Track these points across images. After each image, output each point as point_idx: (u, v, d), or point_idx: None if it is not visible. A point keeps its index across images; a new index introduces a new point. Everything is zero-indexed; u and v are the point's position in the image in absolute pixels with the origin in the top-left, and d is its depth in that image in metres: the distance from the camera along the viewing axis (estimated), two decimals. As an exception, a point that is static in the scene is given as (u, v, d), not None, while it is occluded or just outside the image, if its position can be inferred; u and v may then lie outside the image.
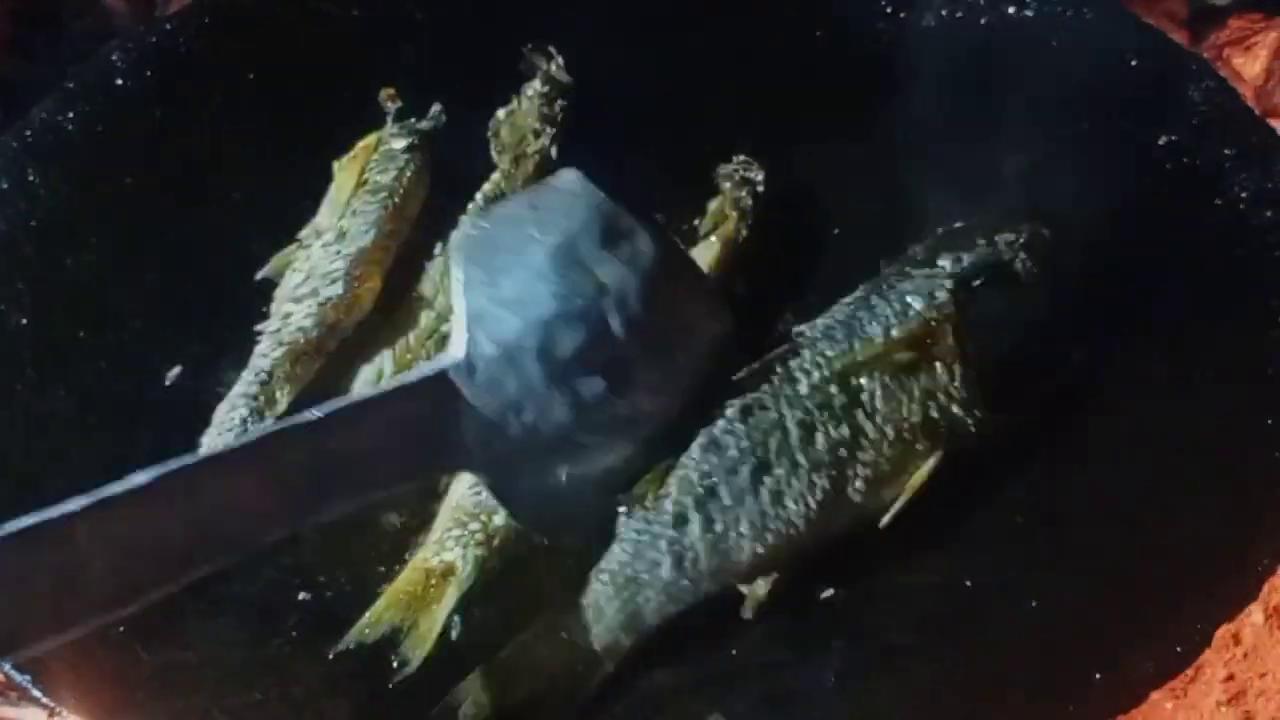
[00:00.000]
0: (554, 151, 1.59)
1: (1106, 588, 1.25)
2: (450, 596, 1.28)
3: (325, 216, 1.53)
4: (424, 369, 1.18)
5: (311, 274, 1.47)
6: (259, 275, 1.50)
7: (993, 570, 1.30)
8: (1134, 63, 1.51)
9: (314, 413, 1.10)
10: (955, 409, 1.29)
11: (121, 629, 1.24)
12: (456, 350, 1.16)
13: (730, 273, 1.51)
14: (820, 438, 1.27)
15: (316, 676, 1.26)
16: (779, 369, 1.30)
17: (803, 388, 1.29)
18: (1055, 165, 1.49)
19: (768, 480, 1.25)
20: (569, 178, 1.29)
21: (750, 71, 1.68)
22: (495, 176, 1.57)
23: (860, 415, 1.27)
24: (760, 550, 1.24)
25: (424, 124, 1.60)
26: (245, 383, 1.42)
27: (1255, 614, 1.33)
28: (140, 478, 1.01)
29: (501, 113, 1.62)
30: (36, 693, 1.19)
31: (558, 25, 1.65)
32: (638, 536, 1.25)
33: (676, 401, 1.26)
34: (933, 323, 1.31)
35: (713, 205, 1.55)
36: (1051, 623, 1.24)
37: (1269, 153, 1.44)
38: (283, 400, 1.41)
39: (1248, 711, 1.31)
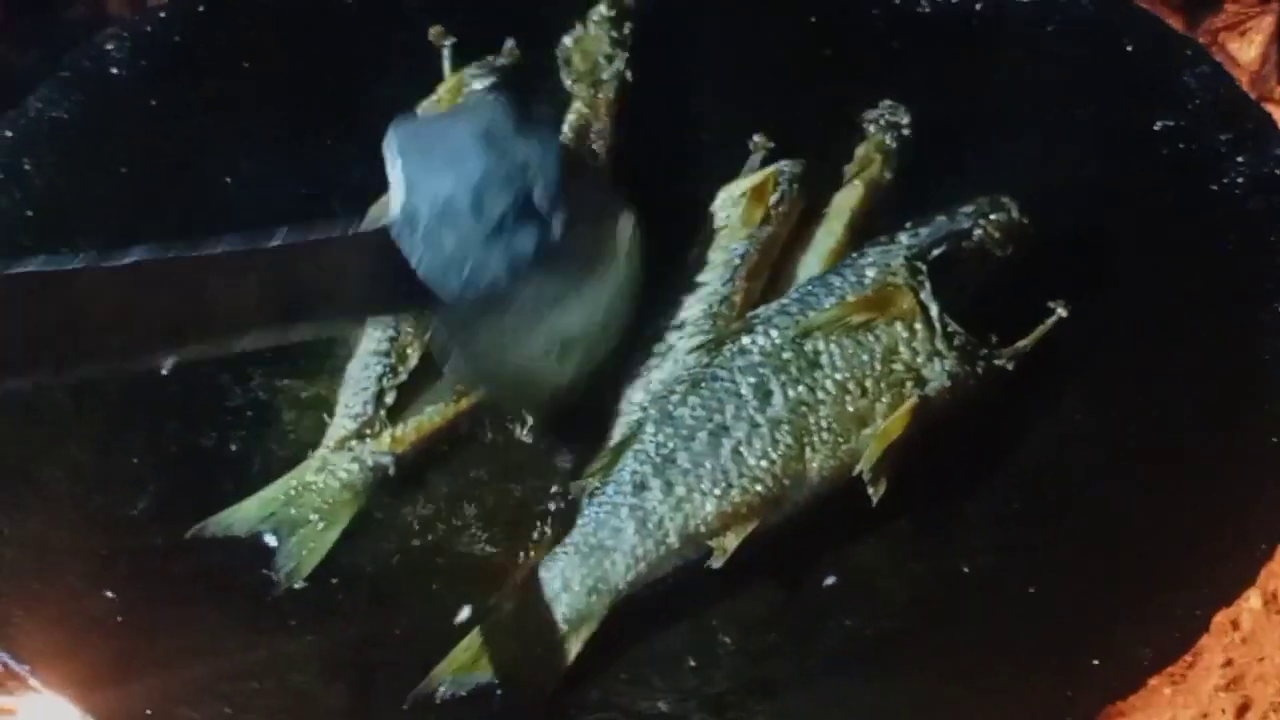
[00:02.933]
0: (629, 75, 1.60)
1: (1104, 574, 1.26)
2: (345, 517, 1.34)
3: None
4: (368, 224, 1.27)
5: None
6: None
7: (989, 556, 1.31)
8: (1130, 48, 1.51)
9: (274, 239, 1.19)
10: (920, 360, 1.31)
11: (119, 618, 1.25)
12: (394, 209, 1.23)
13: (874, 215, 1.50)
14: (777, 399, 1.29)
15: (314, 664, 1.26)
16: (730, 344, 1.33)
17: (755, 356, 1.31)
18: (1052, 150, 1.49)
19: (726, 441, 1.28)
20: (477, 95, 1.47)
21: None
22: (577, 105, 1.58)
23: (818, 374, 1.30)
24: (726, 507, 1.27)
25: (501, 60, 1.60)
26: (375, 340, 1.43)
27: (1253, 599, 1.33)
28: (136, 255, 1.09)
29: (568, 39, 1.62)
30: (35, 683, 1.19)
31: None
32: (599, 508, 1.28)
33: (595, 269, 1.34)
34: (888, 287, 1.33)
35: (860, 150, 1.55)
36: (1048, 609, 1.25)
37: (1264, 138, 1.44)
38: (414, 355, 1.42)
39: (1246, 696, 1.31)
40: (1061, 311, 1.35)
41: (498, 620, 1.25)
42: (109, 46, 1.58)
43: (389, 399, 1.40)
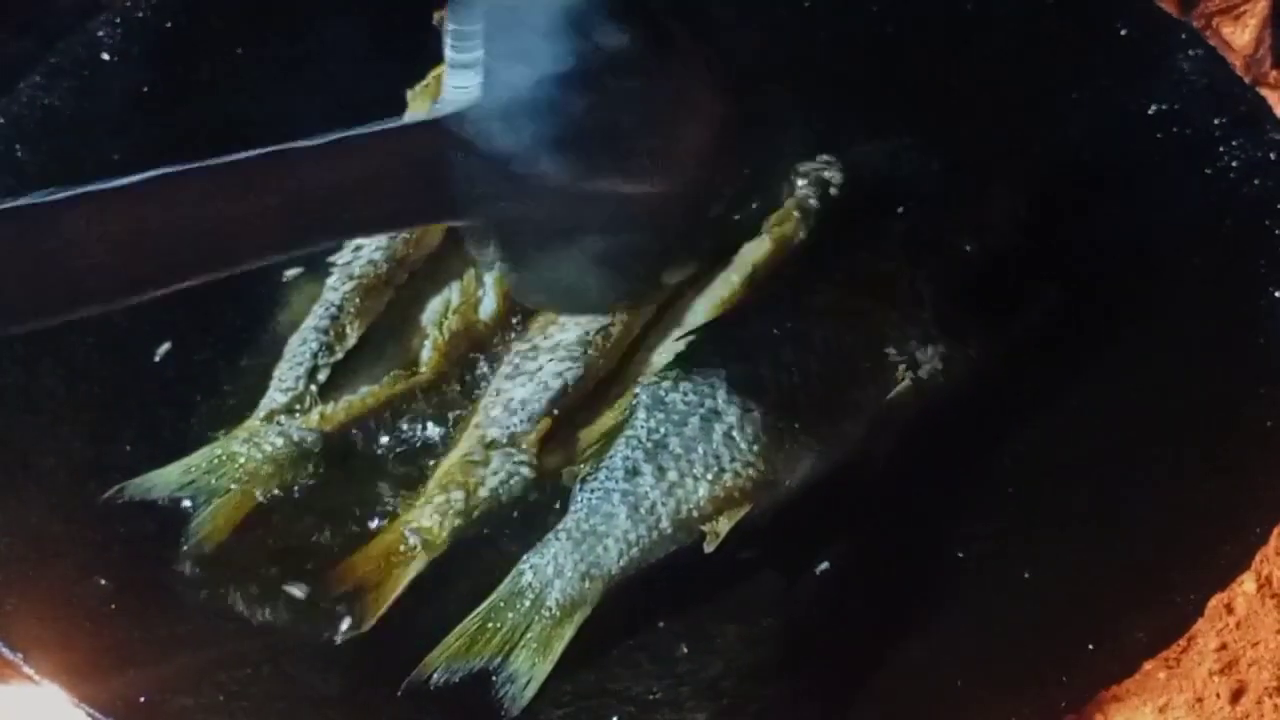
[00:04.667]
0: None
1: (1098, 558, 1.26)
2: (418, 562, 1.30)
3: None
4: (438, 108, 1.13)
5: None
6: None
7: (984, 541, 1.31)
8: (1124, 32, 1.51)
9: (306, 142, 1.08)
10: (912, 345, 1.32)
11: (112, 605, 1.25)
12: (470, 94, 1.10)
13: (778, 270, 1.47)
14: (769, 383, 1.29)
15: (308, 651, 1.26)
16: (723, 331, 1.34)
17: (748, 342, 1.32)
18: (1046, 134, 1.49)
19: (718, 426, 1.28)
20: None
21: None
22: None
23: (811, 360, 1.30)
24: (718, 491, 1.27)
25: None
26: (316, 316, 1.44)
27: (1247, 583, 1.34)
28: (133, 178, 1.01)
29: None
30: (28, 670, 1.19)
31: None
32: (591, 495, 1.28)
33: (680, 179, 1.18)
34: (881, 273, 1.34)
35: (786, 203, 1.52)
36: (1043, 593, 1.25)
37: (1259, 121, 1.43)
38: (353, 334, 1.43)
39: (1240, 681, 1.31)
40: (1052, 294, 1.36)
41: (491, 606, 1.24)
42: (101, 33, 1.57)
43: (322, 376, 1.40)
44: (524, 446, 1.35)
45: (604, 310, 1.37)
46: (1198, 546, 1.22)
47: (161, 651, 1.24)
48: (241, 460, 1.35)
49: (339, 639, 1.26)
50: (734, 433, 1.28)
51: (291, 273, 1.50)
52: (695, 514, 1.27)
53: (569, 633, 1.24)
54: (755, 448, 1.27)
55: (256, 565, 1.32)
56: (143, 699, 1.19)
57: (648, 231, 1.18)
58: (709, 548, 1.27)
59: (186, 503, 1.32)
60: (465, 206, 1.11)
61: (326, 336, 1.42)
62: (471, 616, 1.24)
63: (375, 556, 1.29)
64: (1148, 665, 1.19)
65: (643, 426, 1.30)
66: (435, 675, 1.21)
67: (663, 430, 1.29)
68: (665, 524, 1.26)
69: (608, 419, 1.35)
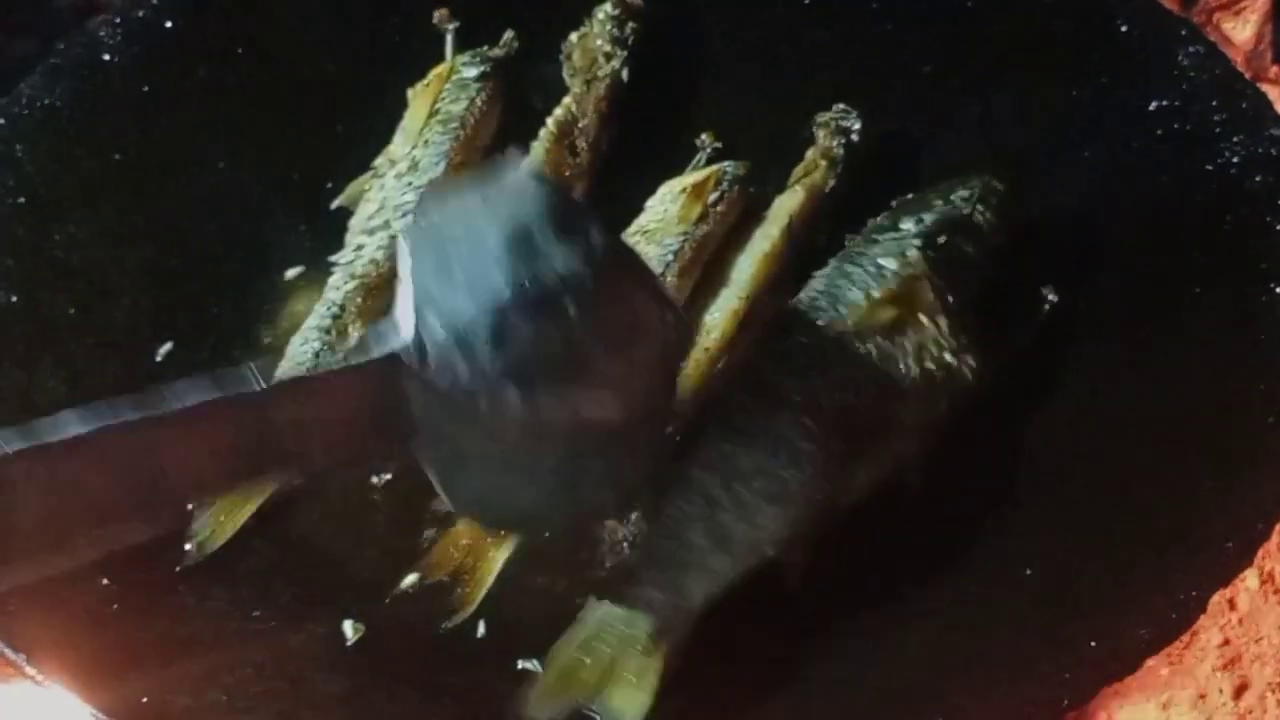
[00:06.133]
0: (625, 75, 1.60)
1: (1100, 554, 1.26)
2: (509, 543, 1.31)
3: (399, 145, 1.55)
4: (374, 350, 1.10)
5: (384, 206, 1.49)
6: (334, 205, 1.52)
7: (985, 538, 1.31)
8: (1124, 28, 1.51)
9: (261, 386, 1.04)
10: (949, 358, 1.31)
11: (115, 605, 1.25)
12: (405, 332, 1.09)
13: (813, 223, 1.50)
14: (826, 403, 1.28)
15: (312, 651, 1.26)
16: (775, 345, 1.33)
17: (801, 360, 1.30)
18: (1046, 131, 1.49)
19: (786, 450, 1.26)
20: (519, 168, 1.17)
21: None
22: (567, 101, 1.58)
23: (861, 378, 1.29)
24: (791, 517, 1.25)
25: (496, 51, 1.62)
26: (318, 315, 1.44)
27: (1250, 579, 1.33)
28: (77, 426, 0.95)
29: (574, 36, 1.62)
30: (30, 671, 1.19)
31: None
32: (674, 521, 1.26)
33: (632, 405, 1.16)
34: (909, 279, 1.33)
35: (809, 153, 1.54)
36: (1044, 590, 1.25)
37: (1260, 117, 1.43)
38: (354, 333, 1.42)
39: (1243, 677, 1.31)
40: (1051, 297, 1.36)
41: (585, 640, 1.22)
42: (101, 33, 1.57)
43: None
44: None
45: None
46: (1200, 542, 1.22)
47: (164, 652, 1.24)
48: None
49: (445, 628, 1.28)
50: (799, 456, 1.26)
51: (293, 272, 1.50)
52: (766, 538, 1.25)
53: (659, 664, 1.21)
54: (820, 470, 1.26)
55: (260, 565, 1.32)
56: (145, 699, 1.18)
57: (605, 455, 1.17)
58: (793, 581, 1.26)
59: (189, 503, 1.32)
60: (423, 438, 1.11)
61: (328, 336, 1.41)
62: (565, 650, 1.21)
63: (464, 543, 1.30)
64: (1150, 662, 1.19)
65: (716, 451, 1.28)
66: (540, 715, 1.19)
67: (736, 455, 1.27)
68: (745, 551, 1.24)
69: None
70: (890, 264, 1.34)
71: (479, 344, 1.06)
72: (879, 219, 1.41)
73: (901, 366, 1.29)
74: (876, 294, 1.32)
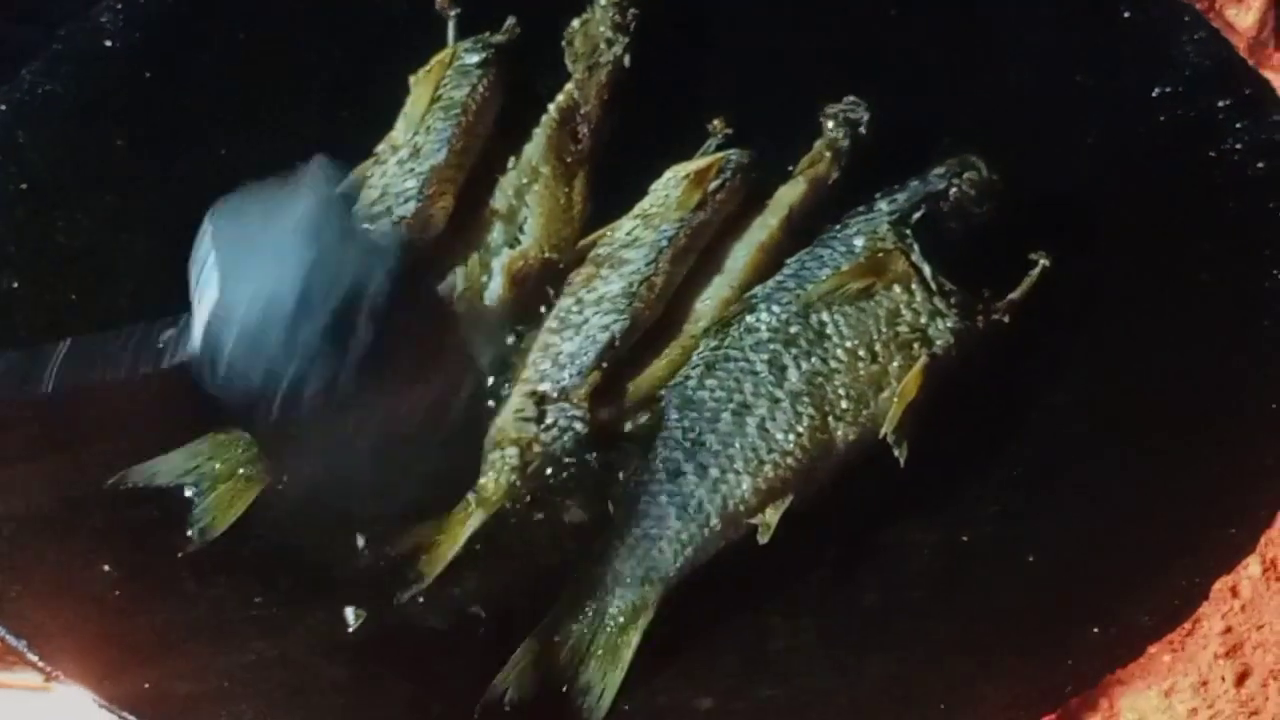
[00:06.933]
0: (626, 60, 1.59)
1: (1102, 541, 1.26)
2: (476, 518, 1.30)
3: (401, 131, 1.55)
4: (168, 355, 1.19)
5: (386, 192, 1.49)
6: (337, 190, 1.51)
7: (988, 525, 1.31)
8: (1127, 14, 1.50)
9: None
10: (924, 320, 1.32)
11: (117, 592, 1.25)
12: (195, 340, 1.16)
13: (813, 214, 1.49)
14: (792, 372, 1.30)
15: (314, 637, 1.26)
16: (737, 325, 1.34)
17: (763, 334, 1.32)
18: (1050, 117, 1.49)
19: (750, 420, 1.28)
20: (311, 176, 1.25)
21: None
22: (569, 87, 1.58)
23: (828, 345, 1.30)
24: (761, 484, 1.27)
25: (497, 38, 1.61)
26: None
27: (1252, 566, 1.34)
28: None
29: (576, 22, 1.62)
30: (32, 657, 1.19)
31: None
32: (637, 497, 1.28)
33: (428, 390, 1.25)
34: (879, 252, 1.34)
35: (816, 144, 1.53)
36: (1048, 577, 1.25)
37: (1262, 104, 1.43)
38: None
39: (1245, 664, 1.31)
40: (1044, 262, 1.36)
41: (553, 618, 1.24)
42: (103, 19, 1.57)
43: None
44: (576, 400, 1.36)
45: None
46: (1202, 530, 1.22)
47: (166, 638, 1.24)
48: (245, 447, 1.35)
49: (400, 601, 1.28)
50: (767, 424, 1.28)
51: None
52: (742, 508, 1.27)
53: (635, 639, 1.23)
54: (790, 437, 1.28)
55: (262, 552, 1.32)
56: (147, 685, 1.19)
57: (410, 435, 1.23)
58: (763, 539, 1.26)
59: (190, 489, 1.32)
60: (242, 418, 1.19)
61: None
62: (536, 630, 1.23)
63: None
64: (1152, 649, 1.19)
65: (677, 426, 1.30)
66: (508, 693, 1.21)
67: (697, 429, 1.29)
68: (715, 521, 1.26)
69: (657, 370, 1.38)
70: (860, 241, 1.36)
71: (271, 340, 1.13)
72: (857, 209, 1.41)
73: (871, 331, 1.31)
74: (844, 267, 1.34)
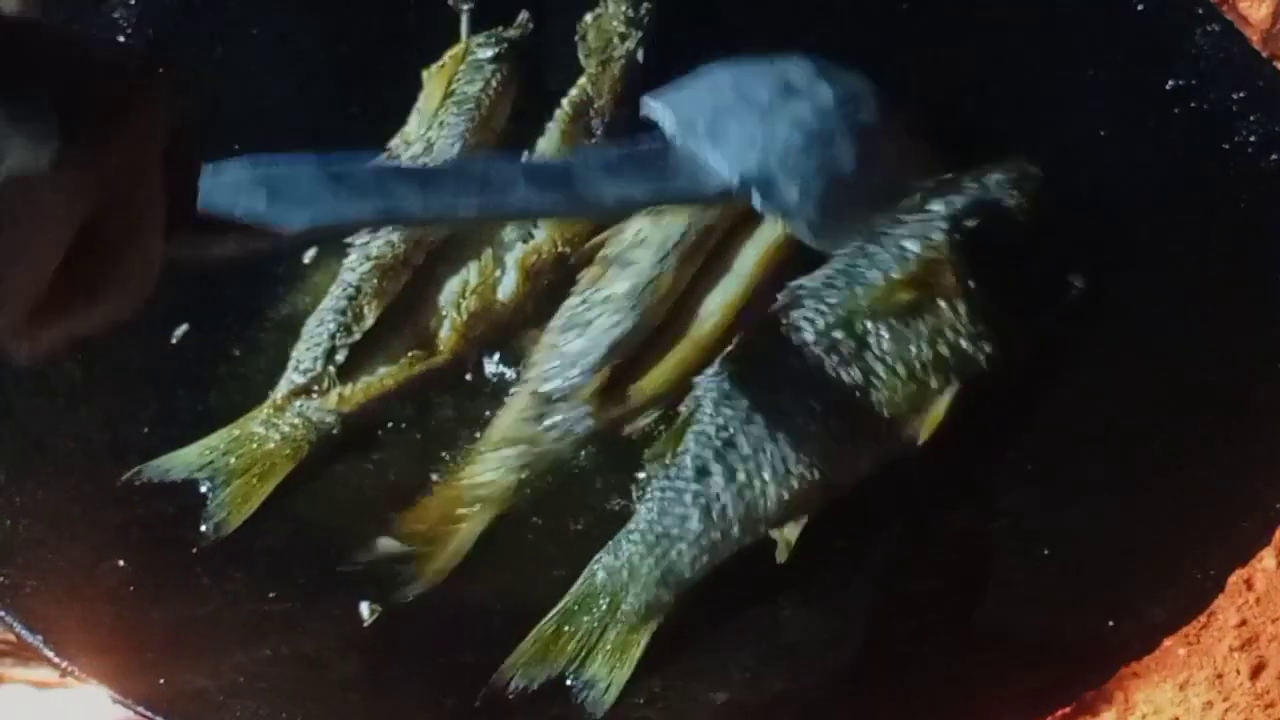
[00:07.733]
0: (640, 55, 1.59)
1: (1118, 535, 1.26)
2: (482, 518, 1.31)
3: (414, 126, 1.55)
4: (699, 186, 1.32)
5: None
6: None
7: (1004, 518, 1.31)
8: (1140, 7, 1.50)
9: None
10: (964, 344, 1.29)
11: (131, 587, 1.25)
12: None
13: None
14: (832, 382, 1.27)
15: (328, 632, 1.26)
16: (783, 321, 1.31)
17: (808, 335, 1.28)
18: (1063, 111, 1.49)
19: (784, 427, 1.26)
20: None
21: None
22: (582, 81, 1.58)
23: (869, 357, 1.27)
24: (786, 495, 1.25)
25: (511, 32, 1.61)
26: (334, 297, 1.44)
27: (1267, 559, 1.33)
28: None
29: (589, 16, 1.61)
30: (48, 652, 1.19)
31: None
32: (662, 494, 1.26)
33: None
34: (931, 263, 1.31)
35: None
36: (1063, 570, 1.25)
37: (1277, 96, 1.43)
38: (370, 315, 1.43)
39: (1260, 657, 1.31)
40: (1078, 285, 1.35)
41: (565, 610, 1.24)
42: (116, 14, 1.57)
43: (340, 357, 1.41)
44: (582, 399, 1.35)
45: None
46: (1217, 522, 1.22)
47: (180, 633, 1.25)
48: (259, 441, 1.36)
49: (415, 596, 1.28)
50: (800, 434, 1.26)
51: (309, 254, 1.50)
52: (764, 519, 1.25)
53: (645, 638, 1.23)
54: (820, 450, 1.26)
55: (277, 546, 1.32)
56: (162, 680, 1.19)
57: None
58: (780, 558, 1.26)
59: (205, 484, 1.33)
60: None
61: (344, 317, 1.42)
62: (546, 620, 1.23)
63: (436, 514, 1.31)
64: (1168, 642, 1.19)
65: (710, 422, 1.27)
66: (513, 682, 1.21)
67: (731, 428, 1.26)
68: (736, 530, 1.25)
69: (662, 371, 1.37)
70: (914, 246, 1.32)
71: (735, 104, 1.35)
72: (910, 200, 1.39)
73: (913, 349, 1.28)
74: (896, 275, 1.31)
